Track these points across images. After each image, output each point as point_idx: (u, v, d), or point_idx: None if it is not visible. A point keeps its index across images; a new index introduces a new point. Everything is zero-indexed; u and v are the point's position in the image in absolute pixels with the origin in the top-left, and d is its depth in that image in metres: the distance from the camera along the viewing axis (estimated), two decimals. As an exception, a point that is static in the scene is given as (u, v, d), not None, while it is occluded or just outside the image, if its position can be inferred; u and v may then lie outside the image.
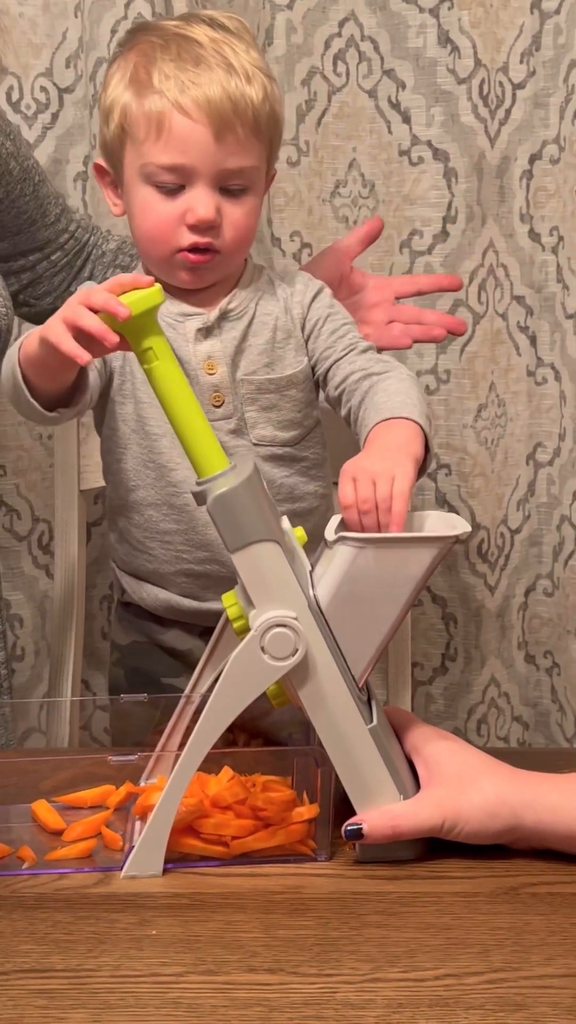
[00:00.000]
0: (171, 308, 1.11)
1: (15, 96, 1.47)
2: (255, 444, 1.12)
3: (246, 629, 0.81)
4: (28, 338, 0.95)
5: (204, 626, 1.15)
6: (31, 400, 0.96)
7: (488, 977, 0.68)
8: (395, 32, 1.45)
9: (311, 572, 0.84)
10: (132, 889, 0.78)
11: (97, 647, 1.60)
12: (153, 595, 1.17)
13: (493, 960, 0.69)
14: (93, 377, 1.03)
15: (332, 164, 1.50)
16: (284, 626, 0.79)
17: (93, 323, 0.84)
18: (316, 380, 1.16)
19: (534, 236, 1.51)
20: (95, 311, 0.85)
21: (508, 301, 1.51)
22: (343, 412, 1.12)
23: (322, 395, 1.18)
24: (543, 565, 1.58)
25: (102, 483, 1.21)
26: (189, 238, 1.06)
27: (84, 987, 0.67)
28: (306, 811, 0.82)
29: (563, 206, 1.48)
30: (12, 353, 0.98)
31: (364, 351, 1.13)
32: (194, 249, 1.07)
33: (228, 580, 0.90)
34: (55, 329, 0.87)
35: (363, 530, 0.87)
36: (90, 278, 1.29)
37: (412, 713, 0.89)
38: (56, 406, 0.98)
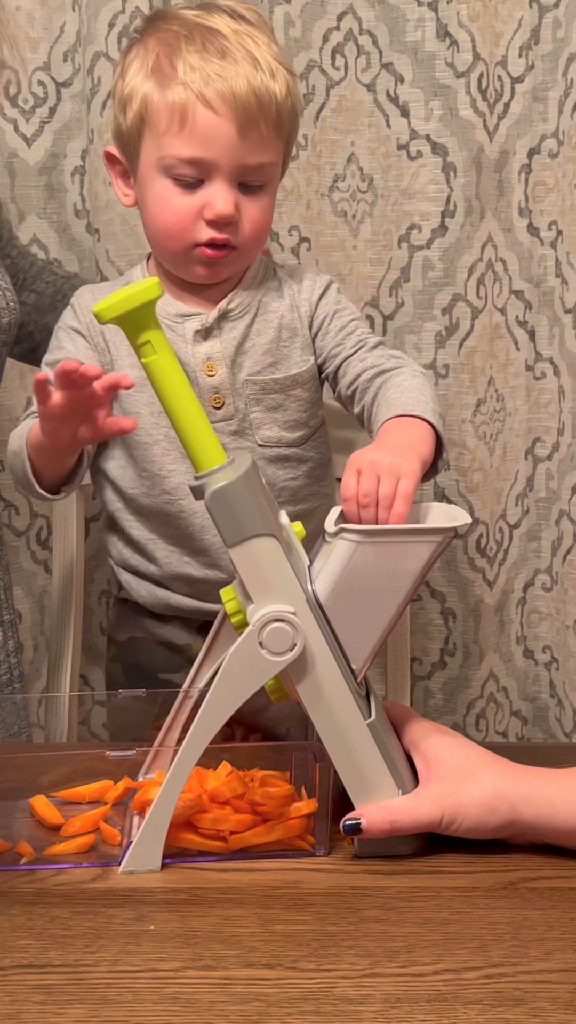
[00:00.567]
0: (169, 309, 1.11)
1: (12, 90, 1.47)
2: (260, 445, 1.11)
3: (244, 624, 0.81)
4: (31, 429, 1.01)
5: (203, 620, 1.15)
6: (40, 491, 1.04)
7: (486, 972, 0.68)
8: (393, 26, 1.45)
9: (309, 567, 0.84)
10: (130, 884, 0.78)
11: (95, 642, 1.60)
12: (152, 593, 1.17)
13: (491, 955, 0.69)
14: (87, 450, 1.08)
15: (330, 158, 1.50)
16: (282, 621, 0.79)
17: (72, 365, 0.89)
18: (324, 378, 1.15)
19: (533, 230, 1.51)
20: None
21: (507, 295, 1.51)
22: (356, 410, 1.11)
23: (328, 393, 1.18)
24: (542, 560, 1.58)
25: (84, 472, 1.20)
26: (207, 233, 1.05)
27: (82, 982, 0.67)
28: (304, 806, 0.82)
29: (562, 200, 1.48)
30: (19, 448, 1.04)
31: (374, 347, 1.12)
32: (211, 244, 1.06)
33: (228, 584, 0.90)
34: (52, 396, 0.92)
35: (361, 523, 0.87)
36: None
37: (411, 708, 0.89)
38: (61, 486, 1.06)
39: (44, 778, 0.88)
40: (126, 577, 1.19)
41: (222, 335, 1.10)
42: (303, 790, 0.84)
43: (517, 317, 1.52)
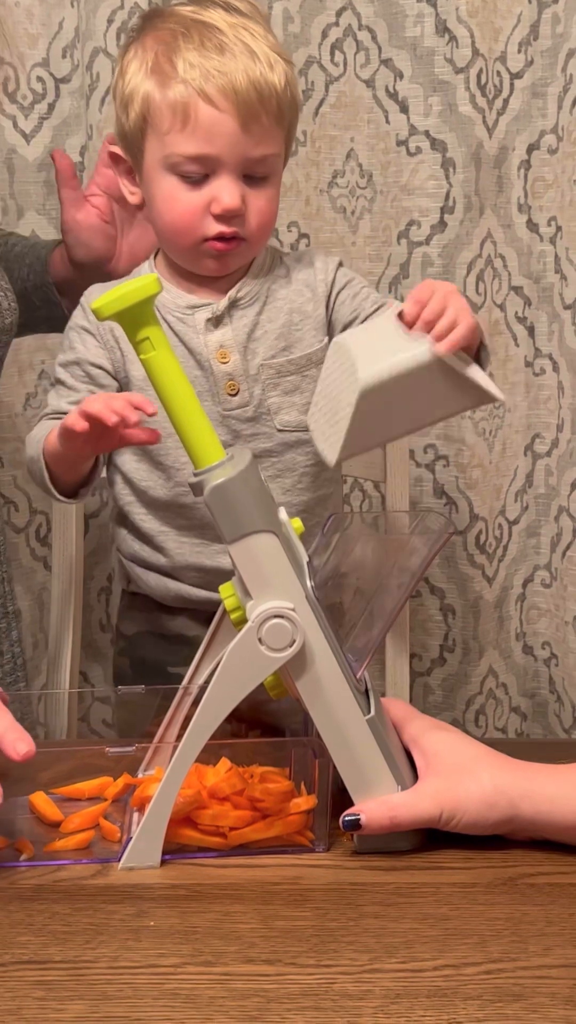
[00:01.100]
0: (179, 302, 1.12)
1: (11, 86, 1.46)
2: (280, 430, 1.13)
3: (243, 620, 0.81)
4: (48, 438, 1.05)
5: (212, 612, 1.15)
6: (59, 496, 1.08)
7: (486, 968, 0.68)
8: (392, 21, 1.45)
9: (308, 563, 0.84)
10: (130, 880, 0.78)
11: (95, 639, 1.60)
12: (163, 585, 1.17)
13: (491, 951, 0.69)
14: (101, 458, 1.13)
15: (329, 154, 1.50)
16: (281, 617, 0.79)
17: (100, 408, 0.94)
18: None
19: (532, 226, 1.50)
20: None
21: (506, 291, 1.51)
22: None
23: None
24: (541, 556, 1.58)
25: (101, 476, 1.21)
26: (215, 227, 1.07)
27: (82, 978, 0.67)
28: (304, 802, 0.82)
29: (561, 196, 1.48)
30: (37, 455, 1.08)
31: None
32: (220, 238, 1.07)
33: None
34: (71, 416, 0.97)
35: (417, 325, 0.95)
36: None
37: (410, 704, 0.89)
38: (78, 488, 1.10)
39: (44, 774, 0.88)
40: (136, 571, 1.19)
41: (233, 323, 1.12)
42: (303, 786, 0.84)
43: (516, 313, 1.52)
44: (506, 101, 1.46)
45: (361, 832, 0.80)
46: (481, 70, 1.43)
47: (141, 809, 0.83)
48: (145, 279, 0.80)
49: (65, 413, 1.09)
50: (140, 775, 0.89)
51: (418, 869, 0.79)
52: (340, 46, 1.48)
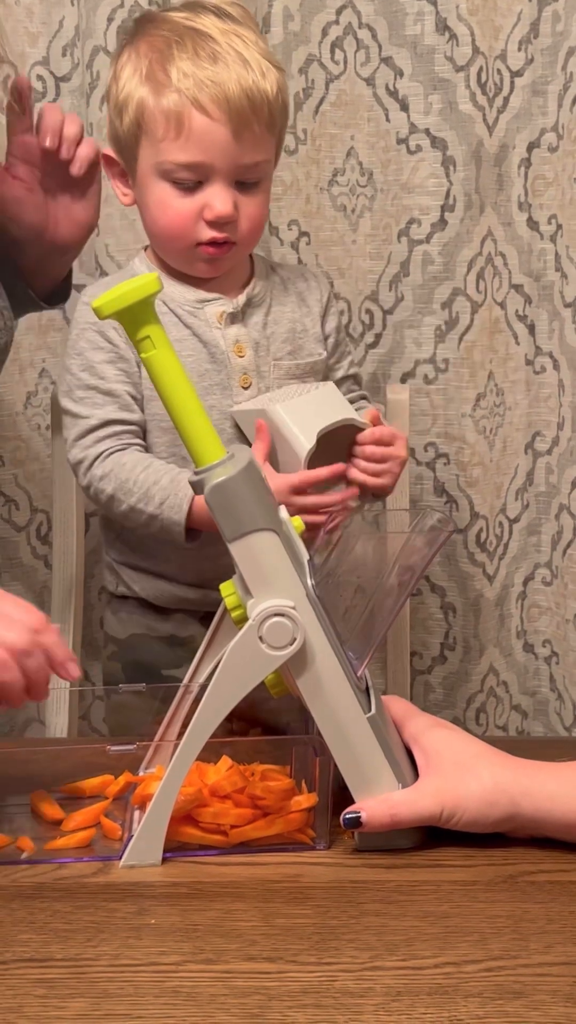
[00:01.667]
0: (187, 296, 1.15)
1: (11, 84, 1.46)
2: None
3: (244, 619, 0.81)
4: (195, 505, 1.08)
5: (205, 611, 1.16)
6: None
7: (487, 965, 0.68)
8: (393, 19, 1.45)
9: (309, 561, 0.84)
10: (131, 878, 0.78)
11: (95, 637, 1.59)
12: (156, 586, 1.17)
13: (492, 948, 0.69)
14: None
15: (330, 152, 1.50)
16: (282, 615, 0.79)
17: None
18: None
19: (532, 224, 1.50)
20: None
21: (506, 290, 1.51)
22: None
23: None
24: (541, 554, 1.58)
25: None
26: (207, 233, 1.09)
27: (83, 976, 0.67)
28: (304, 800, 0.82)
29: (561, 194, 1.48)
30: (173, 515, 1.09)
31: (350, 381, 1.24)
32: (212, 243, 1.08)
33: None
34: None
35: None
36: None
37: (411, 702, 0.89)
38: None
39: (44, 773, 0.88)
40: (128, 573, 1.19)
41: (247, 320, 1.15)
42: (303, 784, 0.84)
43: (517, 311, 1.52)
44: (506, 99, 1.46)
45: (362, 829, 0.80)
46: (481, 68, 1.43)
47: (142, 807, 0.83)
48: (145, 278, 0.80)
49: (119, 422, 1.13)
50: (141, 773, 0.89)
51: (419, 867, 0.79)
52: (340, 44, 1.47)
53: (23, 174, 1.17)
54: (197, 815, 0.82)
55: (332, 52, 1.48)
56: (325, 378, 1.22)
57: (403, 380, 1.51)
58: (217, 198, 1.07)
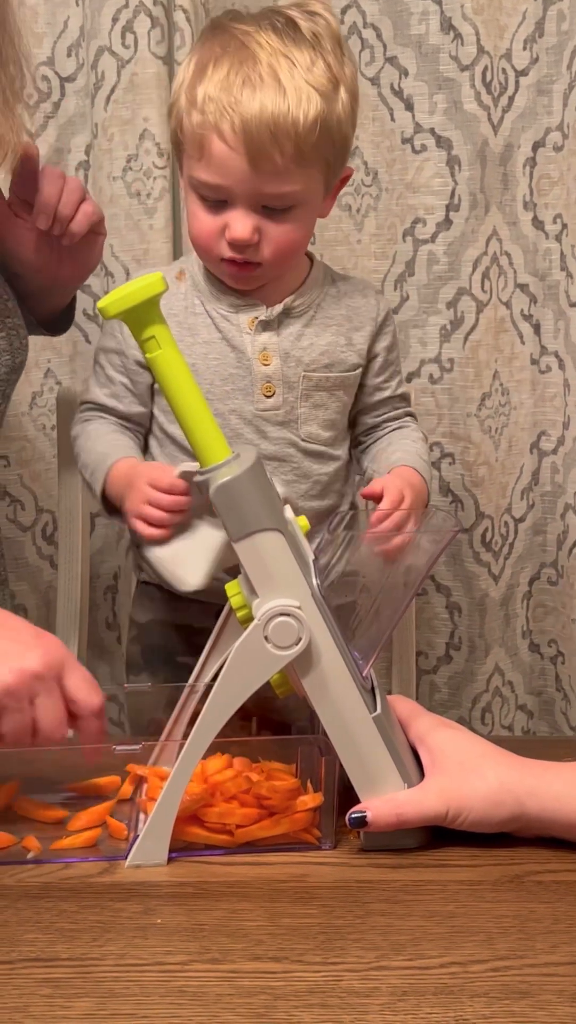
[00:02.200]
0: (224, 301, 1.15)
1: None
2: (304, 440, 1.16)
3: (250, 618, 0.81)
4: (114, 470, 1.10)
5: (221, 603, 1.17)
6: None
7: (493, 965, 0.68)
8: (397, 19, 1.45)
9: (314, 561, 0.84)
10: (137, 878, 0.78)
11: (101, 637, 1.60)
12: None
13: (498, 948, 0.69)
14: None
15: (335, 152, 1.50)
16: (287, 615, 0.79)
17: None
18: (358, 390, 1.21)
19: (538, 224, 1.50)
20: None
21: (512, 289, 1.51)
22: (362, 436, 1.24)
23: None
24: (547, 554, 1.58)
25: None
26: (228, 252, 1.08)
27: (89, 976, 0.67)
28: (310, 799, 0.82)
29: (567, 193, 1.47)
30: (95, 473, 1.12)
31: (398, 411, 1.23)
32: (234, 261, 1.08)
33: None
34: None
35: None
36: None
37: (416, 702, 0.89)
38: None
39: (50, 772, 0.88)
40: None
41: (281, 329, 1.15)
42: (309, 784, 0.84)
43: (522, 311, 1.52)
44: (511, 98, 1.46)
45: (367, 829, 0.80)
46: (486, 67, 1.43)
47: (148, 807, 0.83)
48: (150, 278, 0.80)
49: (103, 407, 1.18)
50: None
51: (425, 867, 0.79)
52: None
53: (25, 214, 1.14)
54: (203, 815, 0.82)
55: (337, 52, 1.47)
56: (370, 395, 1.21)
57: (408, 380, 1.51)
58: (237, 222, 1.06)
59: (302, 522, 0.86)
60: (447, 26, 1.42)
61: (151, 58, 1.40)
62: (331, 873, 0.79)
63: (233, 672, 0.80)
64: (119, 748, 0.86)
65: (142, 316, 0.80)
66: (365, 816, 0.79)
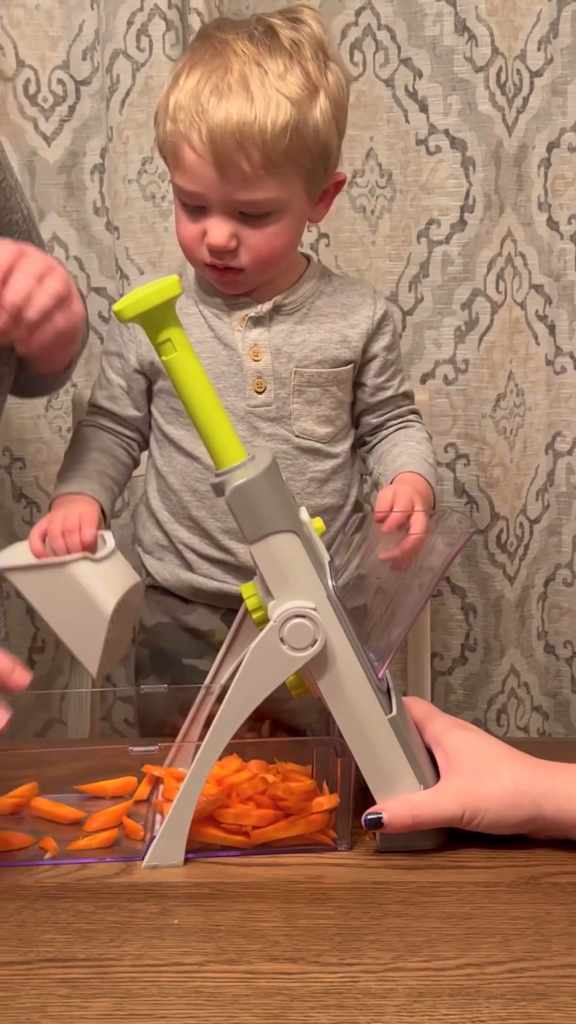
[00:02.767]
0: (217, 299, 1.16)
1: (32, 89, 1.47)
2: (297, 436, 1.15)
3: (265, 620, 0.81)
4: (66, 469, 1.13)
5: (226, 608, 1.18)
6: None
7: (509, 967, 0.68)
8: (412, 21, 1.45)
9: (330, 563, 0.84)
10: (154, 879, 0.79)
11: (117, 638, 1.60)
12: (177, 576, 1.19)
13: (514, 950, 0.69)
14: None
15: (349, 154, 1.50)
16: (303, 617, 0.79)
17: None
18: (356, 388, 1.22)
19: (552, 224, 1.50)
20: None
21: (526, 290, 1.51)
22: (367, 437, 1.24)
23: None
24: (562, 555, 1.58)
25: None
26: (209, 256, 1.09)
27: (107, 976, 0.67)
28: (326, 801, 0.82)
29: (581, 194, 1.47)
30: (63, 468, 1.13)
31: (401, 408, 1.23)
32: (215, 267, 1.09)
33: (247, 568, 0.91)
34: None
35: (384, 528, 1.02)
36: None
37: (432, 704, 0.89)
38: None
39: (66, 772, 0.88)
40: (151, 563, 1.22)
41: (272, 326, 1.15)
42: (324, 785, 0.84)
43: (537, 311, 1.52)
44: (526, 99, 1.46)
45: (383, 830, 0.80)
46: (501, 68, 1.43)
47: (164, 808, 0.84)
48: (166, 281, 0.80)
49: (102, 410, 1.20)
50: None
51: (441, 868, 0.79)
52: (359, 46, 1.48)
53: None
54: (219, 816, 0.82)
55: (351, 53, 1.48)
56: (371, 396, 1.21)
57: (423, 381, 1.51)
58: (214, 228, 1.07)
59: (317, 524, 0.86)
60: (461, 27, 1.42)
61: (166, 61, 1.41)
62: (347, 874, 0.79)
63: (249, 674, 0.80)
64: (135, 749, 0.86)
65: (157, 319, 0.81)
66: (381, 817, 0.79)
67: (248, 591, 0.84)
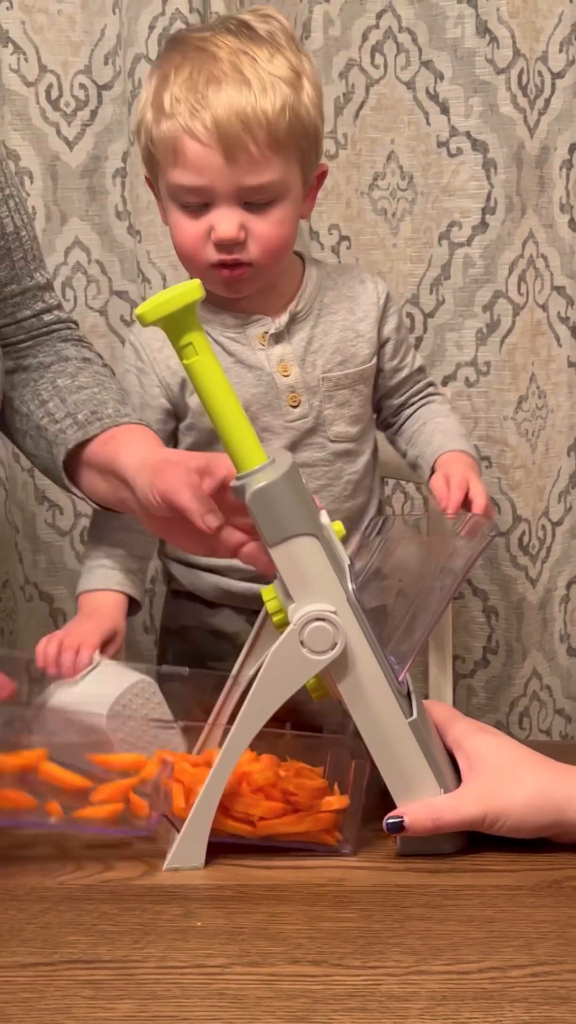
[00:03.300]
0: (229, 322, 1.15)
1: (54, 94, 1.48)
2: (332, 441, 1.16)
3: (285, 623, 0.81)
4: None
5: (252, 610, 1.17)
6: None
7: (532, 970, 0.67)
8: (433, 23, 1.45)
9: (350, 566, 0.84)
10: (176, 881, 0.79)
11: (138, 640, 1.61)
12: (204, 580, 1.19)
13: (537, 953, 0.69)
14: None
15: (370, 156, 1.50)
16: (323, 620, 0.79)
17: None
18: (378, 378, 1.22)
19: (574, 226, 1.50)
20: None
21: (548, 292, 1.51)
22: (395, 424, 1.25)
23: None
24: (585, 557, 1.57)
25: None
26: (216, 255, 1.08)
27: (131, 978, 0.68)
28: (336, 801, 0.82)
29: (604, 195, 1.47)
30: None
31: (420, 386, 1.24)
32: (224, 264, 1.08)
33: None
34: None
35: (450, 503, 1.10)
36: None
37: (453, 707, 0.89)
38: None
39: (77, 743, 0.87)
40: (178, 569, 1.22)
41: (291, 337, 1.15)
42: (336, 787, 0.84)
43: (559, 313, 1.52)
44: (547, 101, 1.45)
45: (405, 834, 0.80)
46: (522, 70, 1.43)
47: (172, 787, 0.82)
48: (188, 284, 0.80)
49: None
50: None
51: (463, 872, 0.79)
52: (380, 48, 1.48)
53: None
54: (228, 803, 0.82)
55: (372, 56, 1.48)
56: (389, 379, 1.21)
57: (444, 383, 1.51)
58: (221, 221, 1.07)
59: (337, 527, 0.86)
60: (483, 29, 1.42)
61: (187, 65, 1.41)
62: (369, 877, 0.79)
63: (269, 677, 0.80)
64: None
65: (180, 322, 0.81)
66: (402, 821, 0.79)
67: (268, 594, 0.84)
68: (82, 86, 1.49)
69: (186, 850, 0.80)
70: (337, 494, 1.17)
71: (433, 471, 1.17)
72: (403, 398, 1.23)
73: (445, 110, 1.46)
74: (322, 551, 0.81)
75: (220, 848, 0.81)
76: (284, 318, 1.14)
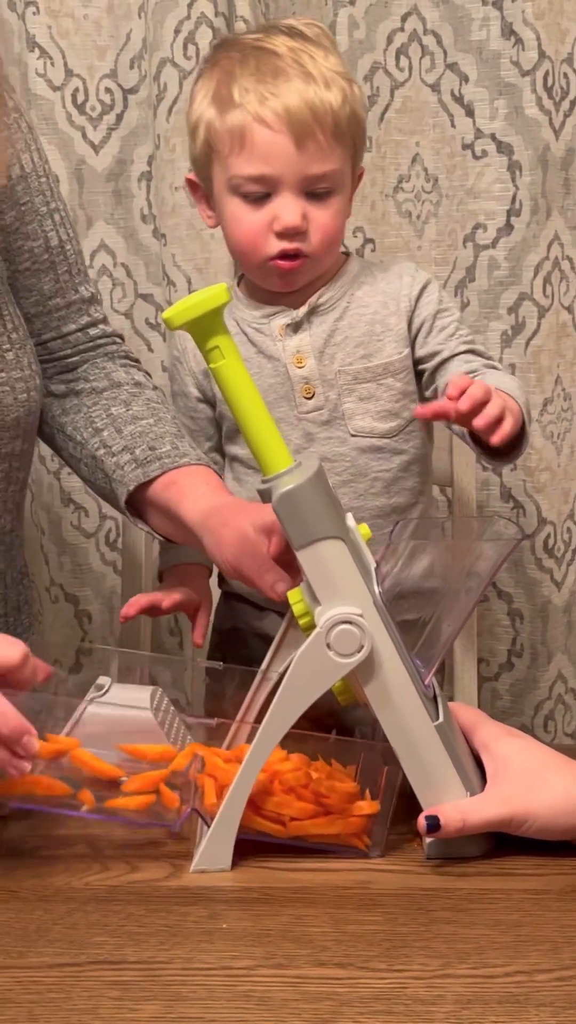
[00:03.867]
0: (254, 313, 1.16)
1: (80, 98, 1.49)
2: (353, 435, 1.15)
3: (312, 626, 0.81)
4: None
5: None
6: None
7: (558, 974, 0.67)
8: (458, 25, 1.45)
9: (376, 569, 0.84)
10: (203, 883, 0.79)
11: (164, 641, 1.61)
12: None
13: (563, 957, 0.69)
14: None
15: (395, 159, 1.50)
16: (349, 623, 0.80)
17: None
18: (420, 373, 1.18)
19: (600, 228, 1.49)
20: None
21: (574, 293, 1.50)
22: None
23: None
24: (611, 560, 1.57)
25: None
26: (277, 245, 1.10)
27: (157, 979, 0.68)
28: (367, 806, 0.82)
29: (630, 197, 1.46)
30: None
31: (472, 352, 1.16)
32: (284, 256, 1.09)
33: None
34: None
35: (452, 419, 0.98)
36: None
37: (479, 710, 0.89)
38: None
39: (107, 732, 0.87)
40: None
41: (311, 329, 1.15)
42: (367, 792, 0.84)
43: (584, 315, 1.51)
44: (573, 103, 1.45)
45: (436, 834, 0.80)
46: (547, 72, 1.42)
47: (202, 781, 0.83)
48: (215, 289, 0.81)
49: None
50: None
51: (489, 875, 0.79)
52: (405, 51, 1.48)
53: None
54: (260, 801, 0.82)
55: (397, 59, 1.48)
56: (429, 363, 1.15)
57: (469, 385, 1.51)
58: (285, 209, 1.08)
59: (364, 530, 0.86)
60: (508, 31, 1.42)
61: (212, 69, 1.41)
62: (395, 880, 0.79)
63: (296, 679, 0.80)
64: (192, 721, 0.86)
65: (206, 326, 0.81)
66: (439, 819, 0.79)
67: (295, 597, 0.84)
68: (108, 90, 1.50)
69: (213, 852, 0.81)
70: (362, 491, 1.16)
71: None
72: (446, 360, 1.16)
73: (470, 112, 1.45)
74: (349, 554, 0.81)
75: (246, 850, 0.82)
76: (303, 310, 1.14)
